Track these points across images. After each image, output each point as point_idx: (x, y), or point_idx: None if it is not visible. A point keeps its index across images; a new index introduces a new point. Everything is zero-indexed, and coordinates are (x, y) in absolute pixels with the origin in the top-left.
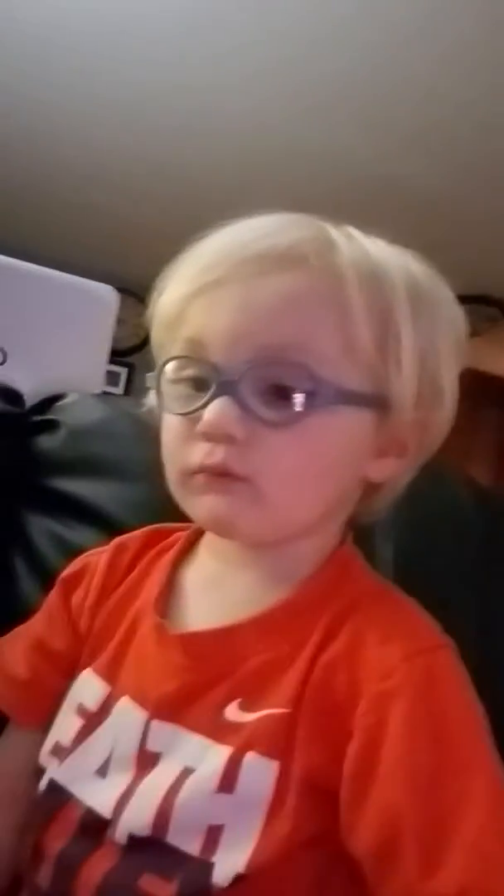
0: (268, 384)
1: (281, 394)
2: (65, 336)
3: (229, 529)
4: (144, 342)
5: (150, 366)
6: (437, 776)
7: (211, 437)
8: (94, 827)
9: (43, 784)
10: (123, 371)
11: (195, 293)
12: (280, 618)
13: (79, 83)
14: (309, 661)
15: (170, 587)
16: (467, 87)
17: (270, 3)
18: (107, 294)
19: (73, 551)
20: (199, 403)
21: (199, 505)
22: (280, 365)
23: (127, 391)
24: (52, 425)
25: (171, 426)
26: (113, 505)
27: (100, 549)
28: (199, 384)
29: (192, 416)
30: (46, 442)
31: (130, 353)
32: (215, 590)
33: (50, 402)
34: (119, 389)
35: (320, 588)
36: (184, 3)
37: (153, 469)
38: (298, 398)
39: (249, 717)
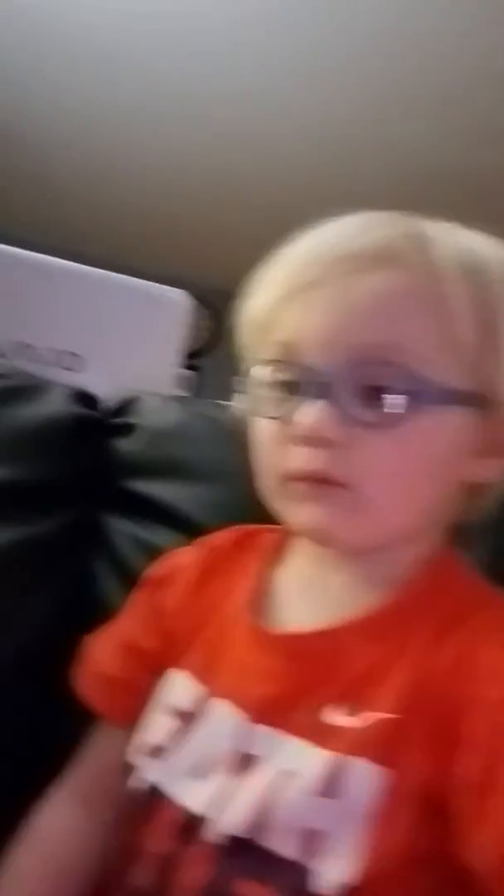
0: (365, 385)
1: (379, 395)
2: (137, 340)
3: (328, 538)
4: (210, 346)
5: (219, 368)
6: None
7: (308, 441)
8: (191, 828)
9: (138, 783)
10: (192, 374)
11: (288, 296)
12: (384, 621)
13: (145, 88)
14: (416, 667)
15: (262, 588)
16: None
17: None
18: (178, 298)
19: (153, 552)
20: (294, 407)
21: (297, 513)
22: (377, 365)
23: (196, 394)
24: (129, 428)
25: (263, 431)
26: (192, 506)
27: (186, 548)
28: (293, 388)
29: (286, 420)
30: (125, 445)
31: (197, 357)
32: (311, 592)
33: (126, 404)
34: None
35: (424, 592)
36: (253, 6)
37: (231, 470)
38: (398, 399)
39: (353, 721)
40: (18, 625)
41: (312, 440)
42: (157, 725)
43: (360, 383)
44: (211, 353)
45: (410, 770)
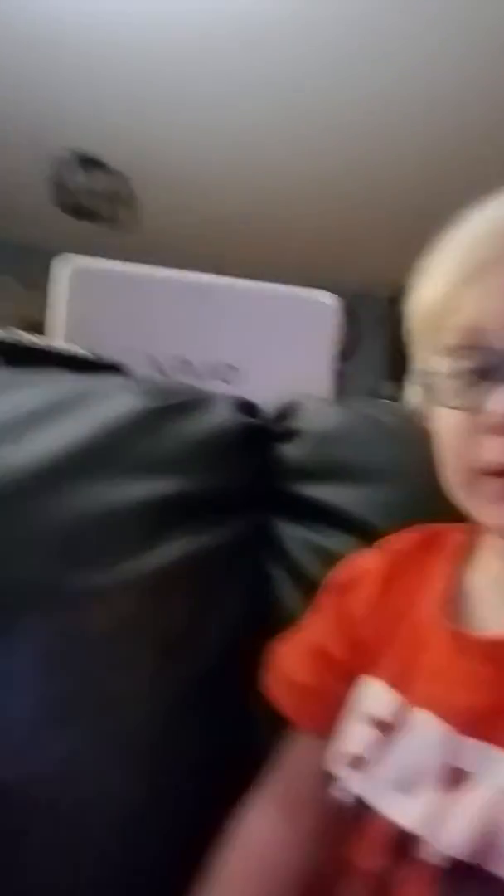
0: None
1: None
2: (290, 346)
3: None
4: (350, 349)
5: (362, 370)
6: None
7: (501, 429)
8: (406, 845)
9: (342, 795)
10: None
11: (465, 279)
12: None
13: (279, 96)
14: None
15: (454, 591)
16: None
17: None
18: (327, 300)
19: (327, 557)
20: (483, 394)
21: (493, 513)
22: None
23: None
24: (293, 433)
25: (449, 423)
26: (363, 509)
27: (368, 552)
28: (480, 375)
29: (475, 410)
30: (290, 450)
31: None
32: None
33: (287, 410)
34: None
35: None
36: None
37: (399, 471)
38: None
39: None
40: (203, 637)
41: None
42: (355, 735)
43: None
44: (352, 356)
45: None
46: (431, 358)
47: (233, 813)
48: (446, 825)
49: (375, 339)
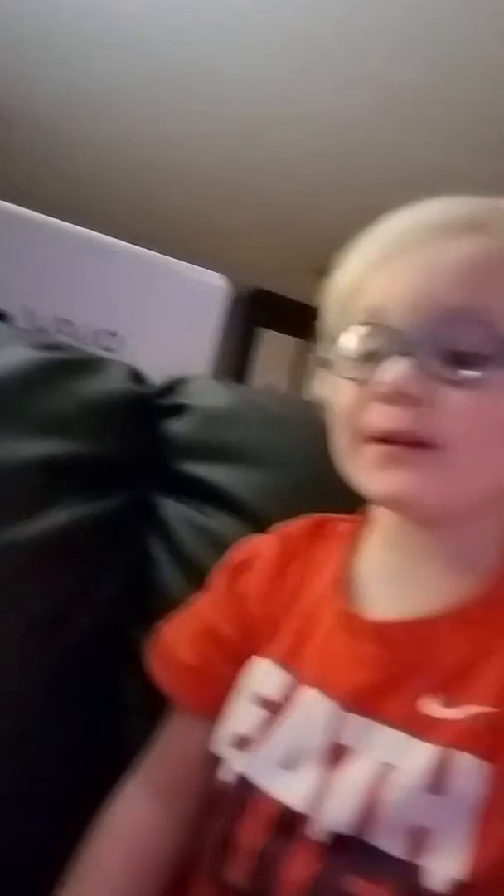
0: (449, 349)
1: (462, 358)
2: (176, 323)
3: (409, 505)
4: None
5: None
6: None
7: (391, 398)
8: (290, 823)
9: (228, 776)
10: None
11: (376, 264)
12: (475, 612)
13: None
14: None
15: (344, 577)
16: None
17: None
18: (217, 281)
19: (213, 539)
20: (377, 367)
21: (376, 481)
22: (463, 327)
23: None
24: (181, 409)
25: (345, 393)
26: (250, 492)
27: (262, 536)
28: (380, 355)
29: (367, 381)
30: (177, 425)
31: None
32: (397, 581)
33: (175, 385)
34: None
35: None
36: None
37: (287, 457)
38: (479, 358)
39: (452, 713)
40: (79, 612)
41: (396, 397)
42: (243, 715)
43: (445, 347)
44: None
45: None
46: (340, 336)
47: (106, 799)
48: (330, 801)
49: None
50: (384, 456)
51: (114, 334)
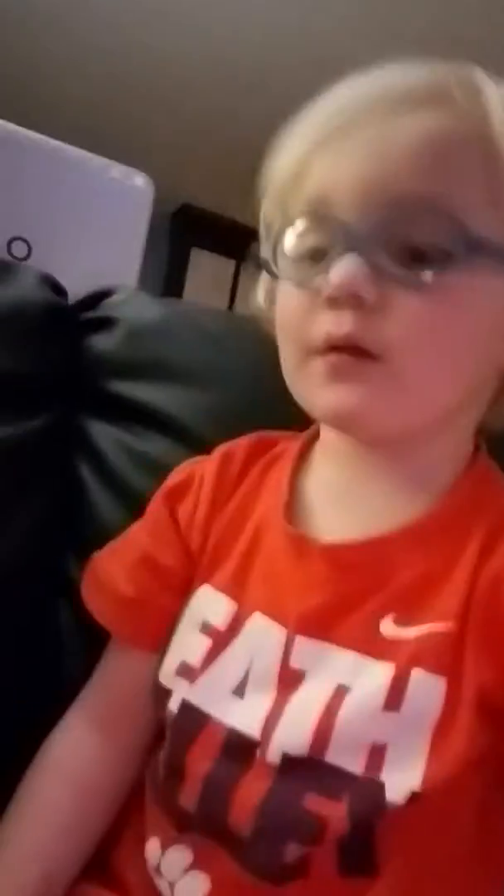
0: (404, 244)
1: (418, 255)
2: (94, 227)
3: (357, 423)
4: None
5: None
6: None
7: (338, 302)
8: (241, 748)
9: (174, 705)
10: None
11: (319, 145)
12: (430, 529)
13: None
14: (469, 575)
15: (291, 499)
16: None
17: None
18: (141, 182)
19: (145, 461)
20: (325, 269)
21: (322, 396)
22: (418, 217)
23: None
24: (106, 323)
25: (289, 302)
26: (183, 412)
27: (201, 458)
28: (326, 254)
29: (315, 287)
30: (102, 341)
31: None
32: (345, 501)
33: (98, 297)
34: None
35: (468, 498)
36: None
37: (223, 375)
38: (438, 255)
39: (409, 632)
40: (6, 534)
41: (343, 300)
42: (188, 645)
43: (398, 240)
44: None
45: (468, 678)
46: (281, 233)
47: (43, 734)
48: (282, 725)
49: None
50: (329, 368)
51: (24, 241)
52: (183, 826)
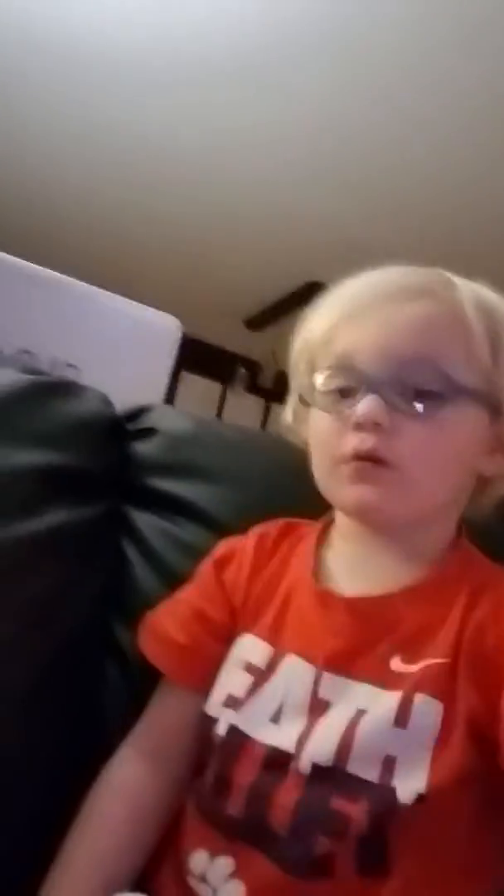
0: (407, 388)
1: (419, 395)
2: (130, 359)
3: (375, 513)
4: None
5: None
6: None
7: (362, 426)
8: (279, 762)
9: (222, 730)
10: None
11: (345, 318)
12: (428, 589)
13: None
14: (460, 622)
15: (316, 565)
16: None
17: None
18: (170, 324)
19: (179, 544)
20: (349, 403)
21: (348, 493)
22: (417, 370)
23: None
24: (148, 433)
25: (322, 424)
26: (214, 505)
27: (240, 536)
28: (347, 392)
29: (342, 415)
30: (145, 447)
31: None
32: (360, 568)
33: (142, 412)
34: None
35: (455, 568)
36: None
37: (245, 474)
38: (434, 395)
39: (412, 667)
40: (73, 599)
41: (366, 425)
42: (233, 680)
43: (403, 386)
44: None
45: (461, 702)
46: (311, 377)
47: (91, 780)
48: (312, 741)
49: None
50: (355, 472)
51: (72, 366)
52: (231, 833)
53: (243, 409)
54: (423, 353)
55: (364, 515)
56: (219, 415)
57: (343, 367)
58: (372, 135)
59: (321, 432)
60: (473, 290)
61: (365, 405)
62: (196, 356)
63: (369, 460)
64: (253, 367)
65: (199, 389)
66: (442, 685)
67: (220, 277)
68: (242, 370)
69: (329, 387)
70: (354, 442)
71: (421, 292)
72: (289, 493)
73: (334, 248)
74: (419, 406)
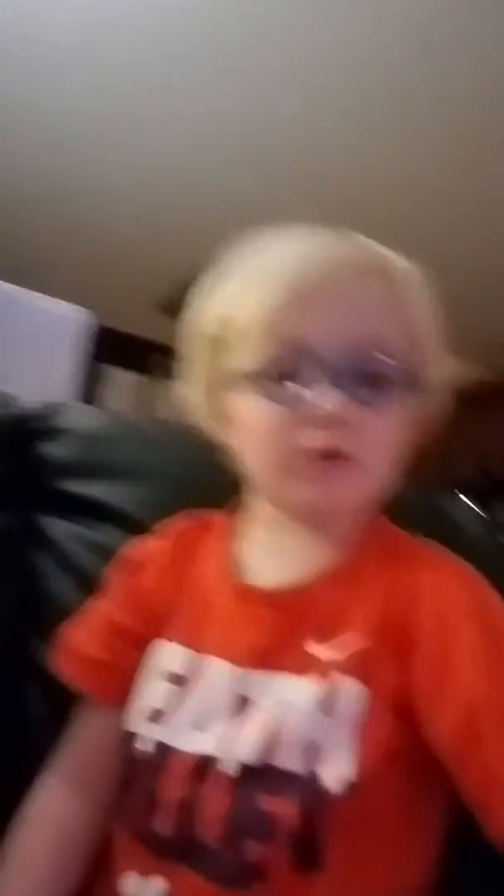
0: (365, 376)
1: (374, 381)
2: (36, 353)
3: (328, 511)
4: None
5: None
6: (502, 668)
7: (326, 423)
8: (207, 769)
9: (147, 745)
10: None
11: (289, 301)
12: (346, 570)
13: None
14: (380, 604)
15: (232, 559)
16: None
17: None
18: (79, 315)
19: (96, 548)
20: (307, 394)
21: (304, 491)
22: (372, 356)
23: None
24: (56, 432)
25: (266, 413)
26: (133, 505)
27: (149, 537)
28: (288, 376)
29: (298, 406)
30: (53, 447)
31: None
32: (277, 556)
33: (48, 410)
34: None
35: (373, 547)
36: None
37: (161, 471)
38: (392, 386)
39: (336, 653)
40: None
41: (332, 422)
42: (153, 691)
43: (360, 373)
44: None
45: (385, 682)
46: (234, 358)
47: (16, 805)
48: (238, 741)
49: None
50: (321, 471)
51: None
52: (161, 852)
53: (164, 398)
54: (377, 336)
55: (316, 514)
56: (150, 408)
57: (295, 352)
58: (280, 110)
59: (264, 422)
60: (401, 261)
61: (330, 400)
62: (116, 348)
63: (333, 457)
64: (170, 353)
65: (129, 384)
66: (365, 667)
67: (134, 265)
68: (161, 357)
69: (273, 372)
70: (319, 439)
71: (369, 268)
72: (213, 487)
73: (247, 228)
74: (379, 397)
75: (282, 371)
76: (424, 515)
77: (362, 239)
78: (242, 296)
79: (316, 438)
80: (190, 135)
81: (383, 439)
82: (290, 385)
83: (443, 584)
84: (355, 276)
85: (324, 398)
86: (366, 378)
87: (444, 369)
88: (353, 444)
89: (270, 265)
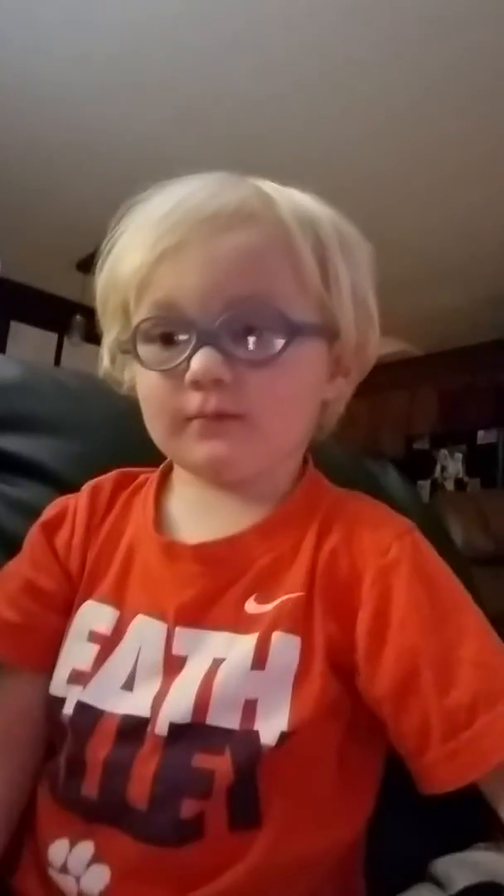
0: (242, 330)
1: (254, 335)
2: None
3: (228, 469)
4: None
5: None
6: (440, 618)
7: (201, 385)
8: (134, 730)
9: (69, 709)
10: None
11: (158, 258)
12: (277, 524)
13: None
14: (312, 553)
15: (158, 516)
16: None
17: None
18: None
19: (21, 507)
20: (182, 357)
21: (197, 450)
22: (250, 311)
23: None
24: None
25: (152, 382)
26: (57, 460)
27: (71, 494)
28: (168, 340)
29: (176, 371)
30: None
31: None
32: (207, 512)
33: None
34: None
35: (303, 499)
36: None
37: (81, 423)
38: (272, 337)
39: (268, 606)
40: None
41: (205, 384)
42: (77, 653)
43: (237, 328)
44: None
45: (319, 633)
46: (126, 321)
47: None
48: (168, 701)
49: None
50: (202, 429)
51: None
52: (89, 816)
53: (85, 360)
54: (254, 290)
55: (217, 473)
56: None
57: (166, 313)
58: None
59: (152, 388)
60: (293, 201)
61: (200, 361)
62: (27, 304)
63: (216, 417)
64: (91, 314)
65: (34, 342)
66: (298, 619)
67: (48, 218)
68: (79, 318)
69: (151, 335)
70: (196, 402)
71: (241, 217)
72: (138, 441)
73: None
74: (258, 351)
75: (162, 333)
76: (357, 481)
77: (257, 183)
78: (121, 255)
79: (195, 402)
80: (117, 73)
81: (275, 392)
82: (167, 349)
83: (384, 538)
84: (223, 228)
85: (196, 360)
86: (246, 335)
87: (363, 323)
88: (235, 403)
89: (144, 221)
